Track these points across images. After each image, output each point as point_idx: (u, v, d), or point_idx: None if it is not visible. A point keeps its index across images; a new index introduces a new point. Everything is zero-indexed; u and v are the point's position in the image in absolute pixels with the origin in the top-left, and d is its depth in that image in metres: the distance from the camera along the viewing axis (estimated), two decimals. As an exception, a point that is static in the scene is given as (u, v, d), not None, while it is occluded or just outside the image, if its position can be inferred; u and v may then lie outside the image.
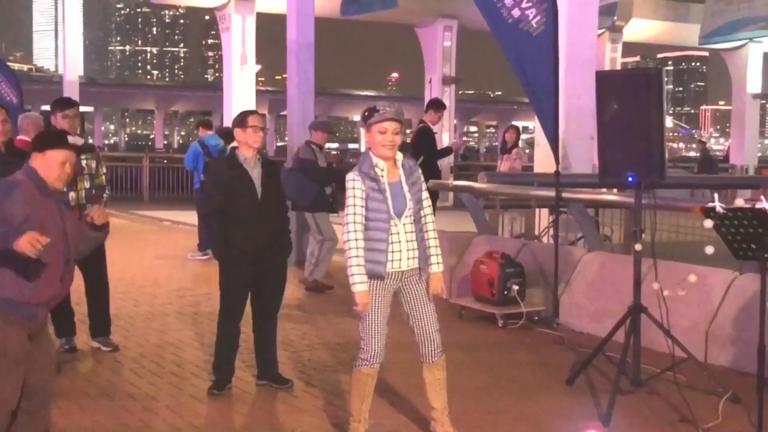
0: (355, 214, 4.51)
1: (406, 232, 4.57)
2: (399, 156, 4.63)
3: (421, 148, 10.65)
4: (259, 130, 5.76)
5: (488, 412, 5.51)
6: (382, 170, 4.56)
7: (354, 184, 4.53)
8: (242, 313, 5.91)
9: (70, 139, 4.22)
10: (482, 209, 10.24)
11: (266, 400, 5.76)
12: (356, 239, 4.51)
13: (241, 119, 5.80)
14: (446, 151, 12.06)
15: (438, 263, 4.75)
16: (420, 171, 4.73)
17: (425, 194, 4.72)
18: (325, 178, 9.39)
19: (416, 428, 5.10)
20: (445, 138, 22.43)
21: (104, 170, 6.92)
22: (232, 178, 5.71)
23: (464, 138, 15.95)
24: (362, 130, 5.02)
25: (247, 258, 5.71)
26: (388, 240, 4.51)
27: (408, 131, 18.20)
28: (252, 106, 20.30)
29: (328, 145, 11.88)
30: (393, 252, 4.54)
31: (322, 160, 9.45)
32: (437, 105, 11.25)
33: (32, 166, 4.04)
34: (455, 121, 31.55)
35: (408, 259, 4.60)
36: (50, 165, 4.02)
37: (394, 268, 4.57)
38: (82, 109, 8.64)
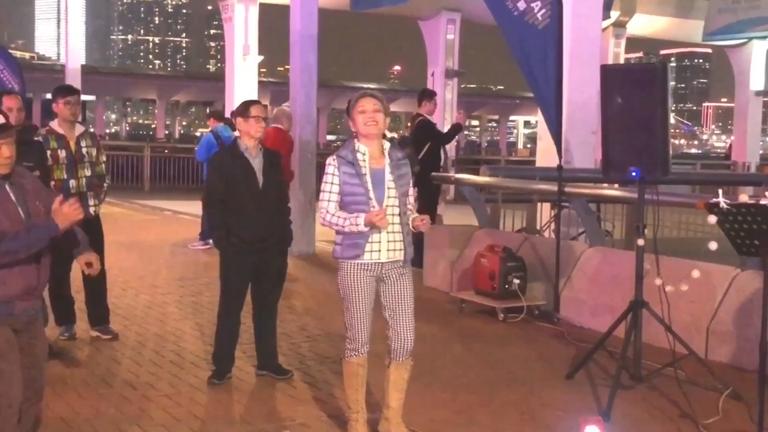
0: (329, 201, 4.49)
1: (418, 222, 4.51)
2: (386, 145, 4.57)
3: (424, 140, 10.61)
4: (261, 120, 5.77)
5: (488, 405, 5.51)
6: (364, 155, 4.49)
7: (328, 168, 4.50)
8: (242, 303, 5.90)
9: (8, 122, 3.82)
10: (484, 203, 10.23)
11: (266, 390, 5.75)
12: (332, 214, 4.46)
13: (243, 109, 5.81)
14: (455, 129, 11.74)
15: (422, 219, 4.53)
16: (409, 168, 4.62)
17: (411, 190, 4.64)
18: None
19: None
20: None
21: (104, 158, 6.91)
22: (234, 168, 5.71)
23: (462, 111, 15.92)
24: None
25: (248, 247, 5.71)
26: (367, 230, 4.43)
27: (409, 125, 18.15)
28: (254, 97, 20.26)
29: (328, 137, 11.83)
30: (372, 242, 4.45)
31: None
32: (429, 94, 11.12)
33: None
34: (458, 114, 31.46)
35: (388, 251, 4.49)
36: None
37: (373, 258, 4.47)
38: (83, 97, 8.65)
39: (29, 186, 3.93)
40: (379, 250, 4.48)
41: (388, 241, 4.49)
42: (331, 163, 4.49)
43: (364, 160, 4.48)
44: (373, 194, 4.44)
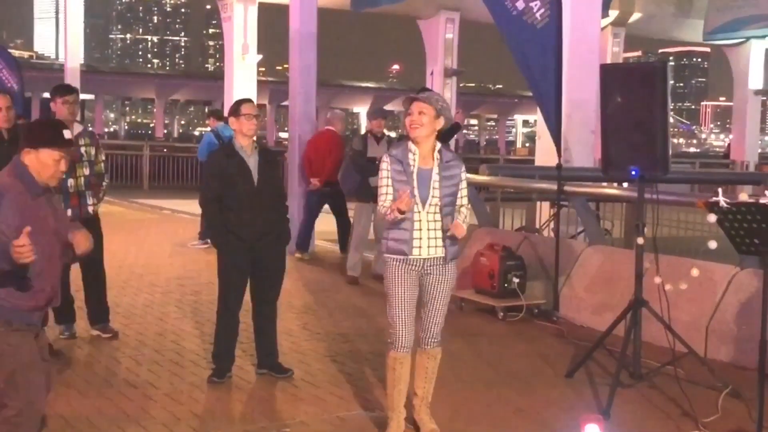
0: (386, 194, 4.64)
1: (428, 221, 4.62)
2: (438, 145, 4.69)
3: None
4: (252, 118, 5.76)
5: (488, 404, 5.51)
6: (414, 154, 4.64)
7: (383, 165, 4.69)
8: (241, 302, 5.91)
9: (68, 133, 3.85)
10: (483, 202, 10.24)
11: (266, 389, 5.76)
12: (385, 207, 4.61)
13: (235, 108, 5.85)
14: (454, 128, 11.73)
15: (463, 221, 4.65)
16: (461, 170, 4.73)
17: (464, 192, 4.74)
18: (364, 168, 9.20)
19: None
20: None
21: (103, 157, 6.90)
22: (229, 166, 5.73)
23: (460, 110, 15.92)
24: (363, 122, 5.04)
25: (244, 245, 5.72)
26: (411, 225, 4.59)
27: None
28: (253, 96, 20.26)
29: (280, 134, 11.96)
30: (415, 239, 4.61)
31: (378, 149, 9.16)
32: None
33: (23, 163, 3.74)
34: (457, 113, 31.45)
35: (429, 247, 4.64)
36: (45, 163, 3.73)
37: (415, 254, 4.62)
38: (82, 96, 8.64)
39: (58, 205, 4.03)
40: (420, 247, 4.63)
41: (429, 238, 4.64)
42: (384, 160, 4.68)
43: (414, 159, 4.63)
44: (417, 192, 4.58)
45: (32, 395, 3.73)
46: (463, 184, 4.74)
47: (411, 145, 4.66)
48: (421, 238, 4.62)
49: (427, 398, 4.88)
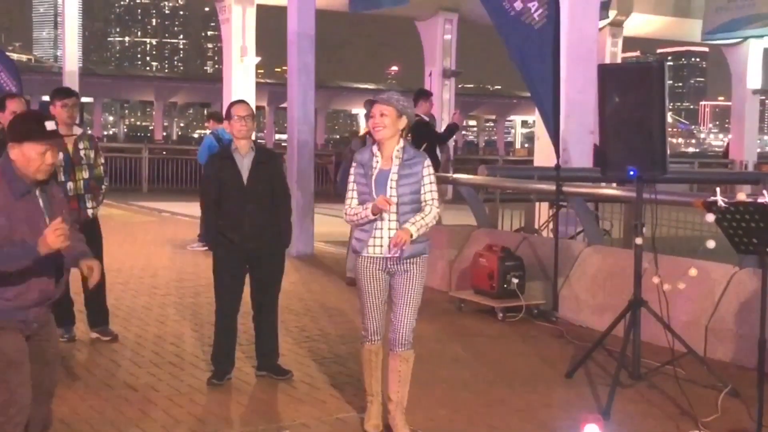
0: (351, 198, 4.78)
1: (389, 220, 4.68)
2: (399, 145, 4.69)
3: (419, 139, 10.60)
4: (243, 119, 5.75)
5: (487, 404, 5.51)
6: (377, 157, 4.73)
7: (351, 170, 4.84)
8: (237, 303, 5.91)
9: (50, 125, 3.74)
10: (482, 202, 10.24)
11: (266, 391, 5.76)
12: (351, 207, 4.77)
13: (227, 111, 5.90)
14: (452, 129, 11.74)
15: (412, 223, 4.63)
16: (423, 166, 4.71)
17: (428, 188, 4.71)
18: None
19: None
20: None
21: (102, 160, 6.90)
22: (222, 168, 5.76)
23: (457, 111, 15.91)
24: (362, 123, 5.10)
25: (236, 247, 5.72)
26: (372, 225, 4.69)
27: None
28: (252, 98, 20.27)
29: (333, 135, 11.87)
30: (375, 237, 4.71)
31: None
32: (425, 94, 11.11)
33: (9, 160, 3.69)
34: (455, 114, 31.46)
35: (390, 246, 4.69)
36: (29, 157, 3.66)
37: (376, 253, 4.72)
38: (81, 99, 8.64)
39: (58, 194, 3.95)
40: (381, 245, 4.70)
41: (389, 237, 4.68)
42: (353, 165, 4.82)
43: (377, 162, 4.72)
44: (375, 194, 4.67)
45: (14, 393, 3.70)
46: (426, 180, 4.71)
47: (374, 148, 4.75)
48: (382, 237, 4.69)
49: (402, 403, 4.83)
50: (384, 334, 4.88)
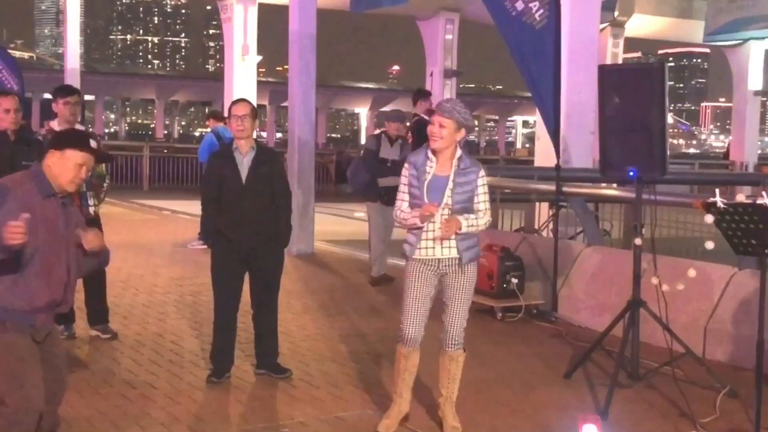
0: (402, 200, 4.84)
1: (442, 224, 4.71)
2: (458, 153, 4.78)
3: (420, 139, 10.62)
4: (240, 118, 5.74)
5: (486, 404, 5.52)
6: (432, 162, 4.76)
7: (403, 171, 4.87)
8: (236, 302, 5.92)
9: (93, 143, 3.95)
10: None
11: (265, 389, 5.77)
12: (402, 211, 4.82)
13: (228, 110, 5.93)
14: None
15: (465, 218, 4.72)
16: (478, 176, 4.79)
17: (482, 197, 4.80)
18: (374, 167, 9.21)
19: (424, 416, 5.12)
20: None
21: (104, 158, 6.91)
22: (222, 167, 5.78)
23: None
24: (362, 123, 5.11)
25: (235, 246, 5.73)
26: (423, 227, 4.74)
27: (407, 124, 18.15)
28: (253, 97, 20.27)
29: (332, 134, 11.80)
30: (426, 240, 4.76)
31: (391, 151, 9.21)
32: (424, 93, 11.11)
33: (42, 165, 3.77)
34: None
35: (443, 248, 4.77)
36: (67, 165, 3.76)
37: (428, 255, 4.78)
38: (83, 97, 8.65)
39: (75, 212, 4.02)
40: (434, 247, 4.77)
41: (443, 240, 4.74)
42: (406, 166, 4.86)
43: (431, 167, 4.76)
44: (426, 198, 4.71)
45: (28, 393, 3.72)
46: (480, 189, 4.81)
47: (429, 152, 4.79)
48: (434, 239, 4.75)
49: (452, 398, 4.98)
50: (421, 342, 4.90)
